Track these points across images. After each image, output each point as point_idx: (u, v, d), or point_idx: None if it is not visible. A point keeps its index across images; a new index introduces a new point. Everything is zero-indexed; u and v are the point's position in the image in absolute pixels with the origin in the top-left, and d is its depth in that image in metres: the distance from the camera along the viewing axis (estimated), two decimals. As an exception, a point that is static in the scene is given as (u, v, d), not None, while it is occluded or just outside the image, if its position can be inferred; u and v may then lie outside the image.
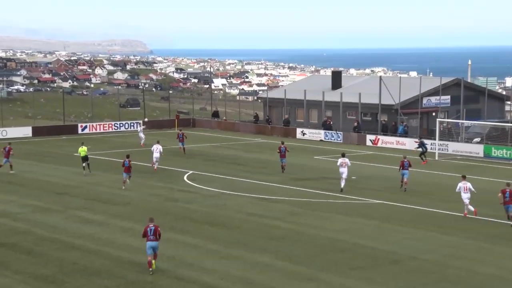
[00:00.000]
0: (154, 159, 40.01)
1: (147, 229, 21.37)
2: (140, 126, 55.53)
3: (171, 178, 37.94)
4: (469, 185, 28.80)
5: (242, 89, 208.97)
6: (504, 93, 78.44)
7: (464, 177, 29.49)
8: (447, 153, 48.25)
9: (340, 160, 34.56)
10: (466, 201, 28.78)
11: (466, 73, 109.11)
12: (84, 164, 39.32)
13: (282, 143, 40.40)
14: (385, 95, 55.83)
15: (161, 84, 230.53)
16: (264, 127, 62.48)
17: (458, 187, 29.04)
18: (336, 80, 66.62)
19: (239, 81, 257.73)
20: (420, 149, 45.33)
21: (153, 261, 21.20)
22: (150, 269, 21.02)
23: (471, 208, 28.70)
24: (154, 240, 21.18)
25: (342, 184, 34.18)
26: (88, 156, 39.77)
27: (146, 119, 61.66)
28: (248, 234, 25.60)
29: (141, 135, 52.69)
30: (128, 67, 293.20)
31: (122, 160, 35.30)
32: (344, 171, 34.17)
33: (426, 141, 46.34)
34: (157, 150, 39.98)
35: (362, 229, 26.61)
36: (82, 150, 39.49)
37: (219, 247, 23.83)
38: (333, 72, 73.27)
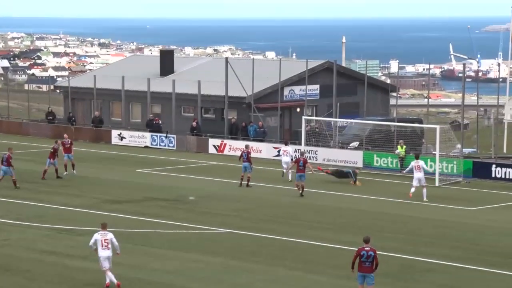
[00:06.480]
0: (285, 165, 44.28)
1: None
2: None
3: None
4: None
5: (33, 74, 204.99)
6: (388, 81, 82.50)
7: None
8: (316, 162, 49.71)
9: (412, 164, 39.05)
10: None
11: (339, 54, 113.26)
12: None
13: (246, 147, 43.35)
14: (234, 84, 56.67)
15: None
16: (65, 128, 61.44)
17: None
18: (166, 63, 66.85)
19: (27, 63, 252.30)
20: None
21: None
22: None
23: None
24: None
25: (412, 190, 38.32)
26: None
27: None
28: (41, 281, 25.17)
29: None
30: None
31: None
32: (420, 176, 38.34)
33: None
34: (286, 154, 44.63)
35: (203, 269, 26.85)
36: None
37: (0, 302, 23.16)
38: (161, 52, 73.50)
